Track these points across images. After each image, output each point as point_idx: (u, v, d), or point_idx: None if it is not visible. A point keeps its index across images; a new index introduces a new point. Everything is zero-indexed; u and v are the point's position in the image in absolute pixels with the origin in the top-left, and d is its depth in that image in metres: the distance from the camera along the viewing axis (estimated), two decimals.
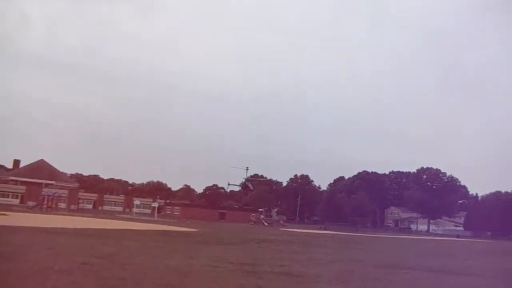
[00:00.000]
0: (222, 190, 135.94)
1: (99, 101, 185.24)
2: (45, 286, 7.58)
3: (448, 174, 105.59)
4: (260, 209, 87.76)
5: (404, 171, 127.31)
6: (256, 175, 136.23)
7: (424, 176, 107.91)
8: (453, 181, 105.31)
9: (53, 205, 59.83)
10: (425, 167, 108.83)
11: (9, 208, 53.52)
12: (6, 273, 8.51)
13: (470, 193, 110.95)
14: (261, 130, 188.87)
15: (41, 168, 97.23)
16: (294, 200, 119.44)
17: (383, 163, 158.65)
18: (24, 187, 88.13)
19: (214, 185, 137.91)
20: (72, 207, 64.65)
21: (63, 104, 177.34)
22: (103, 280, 8.48)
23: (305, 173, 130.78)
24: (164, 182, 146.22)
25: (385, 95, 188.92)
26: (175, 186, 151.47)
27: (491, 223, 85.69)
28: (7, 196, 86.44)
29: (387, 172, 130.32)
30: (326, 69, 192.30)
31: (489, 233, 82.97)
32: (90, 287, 7.79)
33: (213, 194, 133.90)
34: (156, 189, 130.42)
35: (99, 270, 9.77)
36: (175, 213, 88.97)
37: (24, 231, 19.62)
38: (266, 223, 73.53)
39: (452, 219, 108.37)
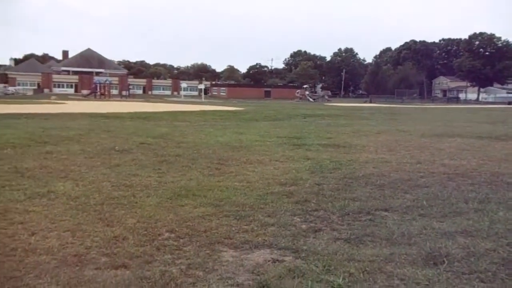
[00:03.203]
0: (266, 69, 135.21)
1: None
2: (110, 163, 8.32)
3: (503, 38, 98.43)
4: (305, 85, 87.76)
5: (455, 38, 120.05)
6: (299, 51, 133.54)
7: (476, 43, 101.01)
8: (508, 45, 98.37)
9: (106, 92, 62.19)
10: (477, 32, 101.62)
11: (66, 97, 56.47)
12: (75, 154, 9.40)
13: None
14: (301, 4, 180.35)
15: (90, 57, 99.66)
16: (339, 74, 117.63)
17: (433, 31, 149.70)
18: (76, 77, 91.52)
19: (257, 63, 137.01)
20: (124, 93, 66.96)
21: None
22: (161, 157, 9.17)
23: (349, 46, 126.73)
24: (208, 64, 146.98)
25: None
26: (219, 67, 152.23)
27: None
28: (63, 86, 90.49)
29: (436, 40, 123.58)
30: None
31: None
32: (150, 163, 8.45)
33: (257, 73, 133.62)
34: (201, 71, 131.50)
35: (156, 148, 10.51)
36: (221, 94, 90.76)
37: (84, 117, 20.85)
38: (311, 99, 73.93)
39: (505, 86, 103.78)
